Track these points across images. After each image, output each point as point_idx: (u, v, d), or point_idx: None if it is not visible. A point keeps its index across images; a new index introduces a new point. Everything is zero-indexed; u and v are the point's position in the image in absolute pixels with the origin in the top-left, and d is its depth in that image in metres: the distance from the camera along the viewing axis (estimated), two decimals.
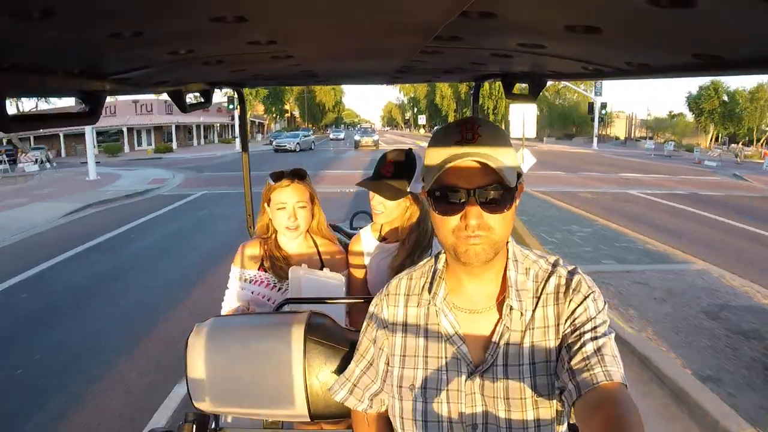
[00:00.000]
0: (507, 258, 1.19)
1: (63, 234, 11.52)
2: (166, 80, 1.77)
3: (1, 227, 11.90)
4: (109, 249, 9.94)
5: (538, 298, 1.17)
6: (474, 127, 1.11)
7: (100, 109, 1.37)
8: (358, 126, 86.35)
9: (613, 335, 1.10)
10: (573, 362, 1.05)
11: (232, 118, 49.55)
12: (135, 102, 44.35)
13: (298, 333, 1.66)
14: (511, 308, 1.15)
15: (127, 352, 5.34)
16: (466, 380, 1.16)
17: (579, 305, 1.13)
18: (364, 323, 1.38)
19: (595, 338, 1.07)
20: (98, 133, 40.42)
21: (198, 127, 49.33)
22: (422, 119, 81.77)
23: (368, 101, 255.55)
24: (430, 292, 1.23)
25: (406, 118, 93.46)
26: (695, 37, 0.89)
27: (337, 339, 1.69)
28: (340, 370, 1.65)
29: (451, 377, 1.18)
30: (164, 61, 1.31)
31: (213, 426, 1.82)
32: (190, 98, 2.28)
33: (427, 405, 1.19)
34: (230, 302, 2.26)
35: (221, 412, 1.79)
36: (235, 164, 25.87)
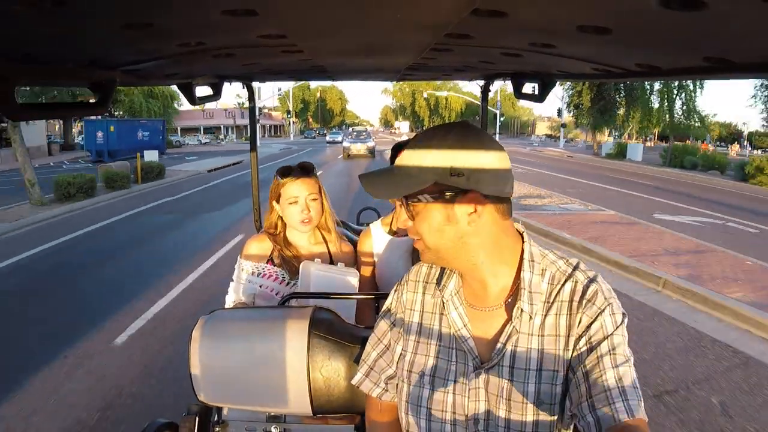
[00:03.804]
0: (522, 258, 1.17)
1: (284, 150, 44.15)
2: (176, 72, 1.77)
3: (262, 151, 33.05)
4: (294, 152, 41.23)
5: (551, 304, 1.13)
6: (417, 135, 1.17)
7: (109, 100, 1.38)
8: (350, 129, 67.26)
9: (632, 359, 1.06)
10: (593, 392, 1.02)
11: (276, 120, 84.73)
12: (225, 110, 69.61)
13: (302, 328, 1.66)
14: (521, 311, 1.13)
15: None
16: (471, 374, 1.16)
17: (594, 320, 1.08)
18: (384, 307, 1.39)
19: (616, 365, 1.03)
20: (204, 129, 69.97)
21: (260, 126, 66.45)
22: (397, 123, 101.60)
23: (368, 104, 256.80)
24: (439, 284, 1.25)
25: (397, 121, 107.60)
26: (705, 40, 0.89)
27: (341, 334, 1.69)
28: (344, 365, 1.65)
29: (459, 369, 1.18)
30: (174, 54, 1.32)
31: (215, 419, 1.83)
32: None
33: (434, 393, 1.20)
34: (235, 296, 2.27)
35: (224, 405, 1.79)
36: (304, 141, 63.71)
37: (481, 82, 2.76)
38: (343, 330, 1.72)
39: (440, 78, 3.05)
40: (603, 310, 1.08)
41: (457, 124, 1.14)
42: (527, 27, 1.04)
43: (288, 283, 2.22)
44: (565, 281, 1.14)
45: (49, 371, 4.64)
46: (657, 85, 31.33)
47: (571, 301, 1.12)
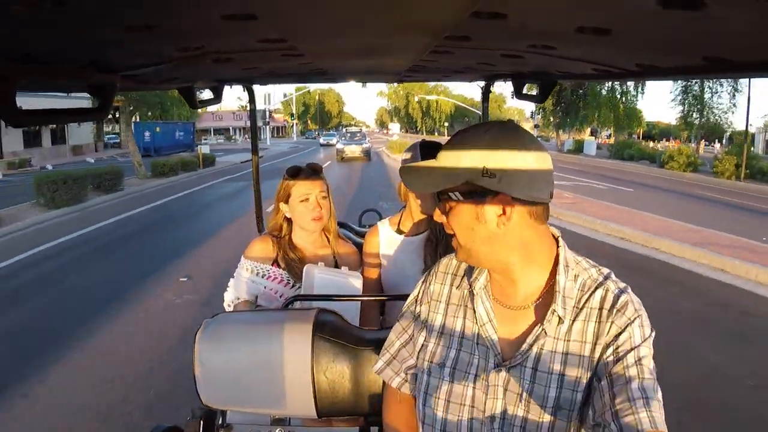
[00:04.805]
0: (557, 262, 1.16)
1: (292, 148, 51.47)
2: (176, 77, 1.77)
3: (269, 150, 45.69)
4: (301, 150, 48.38)
5: (580, 309, 1.13)
6: (458, 133, 1.17)
7: (109, 105, 1.38)
8: (344, 129, 62.93)
9: (656, 372, 1.06)
10: (617, 401, 1.01)
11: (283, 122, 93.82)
12: (233, 113, 74.16)
13: (306, 330, 1.66)
14: (554, 313, 1.12)
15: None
16: (491, 371, 1.16)
17: (623, 330, 1.08)
18: (410, 297, 1.39)
19: (642, 376, 1.03)
20: (214, 130, 75.06)
21: (265, 127, 68.06)
22: (390, 125, 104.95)
23: (364, 106, 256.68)
24: (470, 277, 1.25)
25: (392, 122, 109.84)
26: (704, 40, 0.89)
27: (346, 336, 1.69)
28: (348, 367, 1.65)
29: (480, 364, 1.18)
30: (174, 58, 1.32)
31: (219, 422, 1.83)
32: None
33: (453, 385, 1.20)
34: (237, 293, 2.27)
35: (228, 408, 1.79)
36: (306, 141, 70.15)
37: (481, 83, 2.76)
38: (347, 332, 1.72)
39: (441, 79, 3.06)
40: (632, 321, 1.08)
41: (497, 123, 1.13)
42: (527, 28, 1.04)
43: (292, 286, 2.22)
44: (596, 288, 1.13)
45: (211, 238, 10.40)
46: (604, 91, 38.32)
47: (601, 309, 1.11)
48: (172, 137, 40.66)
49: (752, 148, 43.76)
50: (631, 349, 1.05)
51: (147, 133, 38.09)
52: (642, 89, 37.96)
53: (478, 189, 1.08)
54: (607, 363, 1.07)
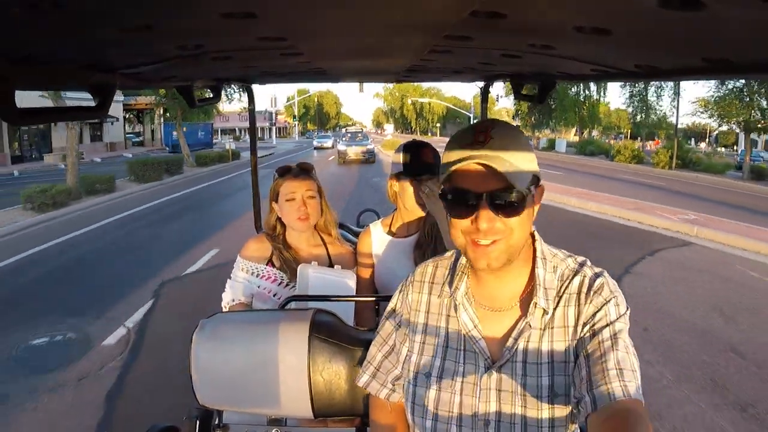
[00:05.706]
0: (535, 256, 1.19)
1: (297, 146, 54.37)
2: (175, 75, 1.77)
3: (277, 148, 49.91)
4: (305, 148, 50.85)
5: (560, 297, 1.16)
6: (487, 130, 1.10)
7: (108, 103, 1.37)
8: (344, 130, 56.55)
9: (632, 346, 1.08)
10: (592, 373, 1.04)
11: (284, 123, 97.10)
12: (239, 114, 72.68)
13: (302, 330, 1.66)
14: (536, 306, 1.14)
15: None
16: (482, 375, 1.16)
17: (599, 309, 1.11)
18: (388, 307, 1.39)
19: (616, 349, 1.05)
20: (221, 130, 76.33)
21: (271, 128, 71.29)
22: (385, 126, 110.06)
23: (361, 107, 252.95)
24: (451, 285, 1.24)
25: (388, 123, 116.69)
26: (704, 41, 0.89)
27: (342, 337, 1.68)
28: (345, 368, 1.65)
29: (468, 370, 1.18)
30: (173, 56, 1.31)
31: (216, 422, 1.83)
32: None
33: (441, 394, 1.20)
34: (233, 294, 2.27)
35: (225, 408, 1.79)
36: (307, 141, 70.18)
37: (480, 84, 2.76)
38: (343, 333, 1.71)
39: (440, 79, 3.05)
40: (608, 301, 1.12)
41: (496, 121, 1.16)
42: (526, 28, 1.04)
43: (287, 285, 2.22)
44: (574, 276, 1.17)
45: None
46: (571, 94, 42.50)
47: (579, 293, 1.15)
48: (195, 136, 45.05)
49: (735, 146, 51.90)
50: (607, 325, 1.09)
51: (174, 133, 42.98)
52: (604, 93, 44.93)
53: (536, 183, 1.14)
54: (584, 339, 1.11)
